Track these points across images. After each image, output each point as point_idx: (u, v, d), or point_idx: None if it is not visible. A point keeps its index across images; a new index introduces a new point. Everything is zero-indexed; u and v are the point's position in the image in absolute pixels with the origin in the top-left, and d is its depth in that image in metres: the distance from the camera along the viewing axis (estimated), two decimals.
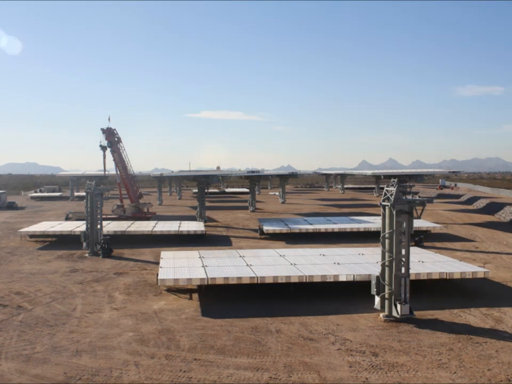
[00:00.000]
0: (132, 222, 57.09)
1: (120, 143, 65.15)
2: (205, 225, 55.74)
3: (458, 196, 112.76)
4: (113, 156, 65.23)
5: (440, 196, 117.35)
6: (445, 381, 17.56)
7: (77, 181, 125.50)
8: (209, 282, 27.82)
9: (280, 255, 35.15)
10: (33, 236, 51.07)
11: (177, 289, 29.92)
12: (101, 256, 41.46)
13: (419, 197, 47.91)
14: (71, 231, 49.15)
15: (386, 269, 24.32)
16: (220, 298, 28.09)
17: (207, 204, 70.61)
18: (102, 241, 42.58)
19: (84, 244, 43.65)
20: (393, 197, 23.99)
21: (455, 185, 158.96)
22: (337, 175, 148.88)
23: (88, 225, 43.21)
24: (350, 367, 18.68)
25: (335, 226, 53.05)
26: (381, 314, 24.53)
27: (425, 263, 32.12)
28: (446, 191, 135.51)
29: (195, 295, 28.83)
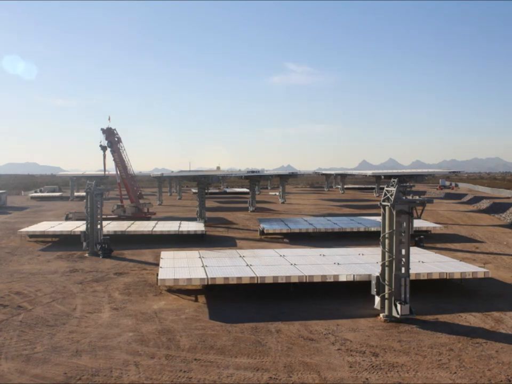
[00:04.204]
0: (132, 222, 57.04)
1: (120, 143, 65.23)
2: (205, 225, 55.74)
3: (461, 196, 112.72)
4: (113, 156, 65.28)
5: (442, 196, 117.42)
6: (445, 381, 17.55)
7: (77, 181, 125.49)
8: (209, 282, 27.81)
9: (280, 255, 35.14)
10: (33, 235, 50.97)
11: (178, 290, 29.92)
12: (100, 256, 41.43)
13: (419, 196, 47.96)
14: (71, 231, 49.11)
15: (386, 269, 24.32)
16: (219, 298, 28.07)
17: (207, 204, 70.61)
18: (102, 241, 42.58)
19: (84, 244, 43.60)
20: (393, 197, 24.00)
21: (456, 185, 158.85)
22: (337, 175, 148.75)
23: (88, 225, 43.21)
24: (350, 367, 18.67)
25: (335, 226, 53.04)
26: (381, 315, 24.52)
27: (425, 263, 32.11)
28: (447, 191, 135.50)
29: (198, 296, 28.83)
